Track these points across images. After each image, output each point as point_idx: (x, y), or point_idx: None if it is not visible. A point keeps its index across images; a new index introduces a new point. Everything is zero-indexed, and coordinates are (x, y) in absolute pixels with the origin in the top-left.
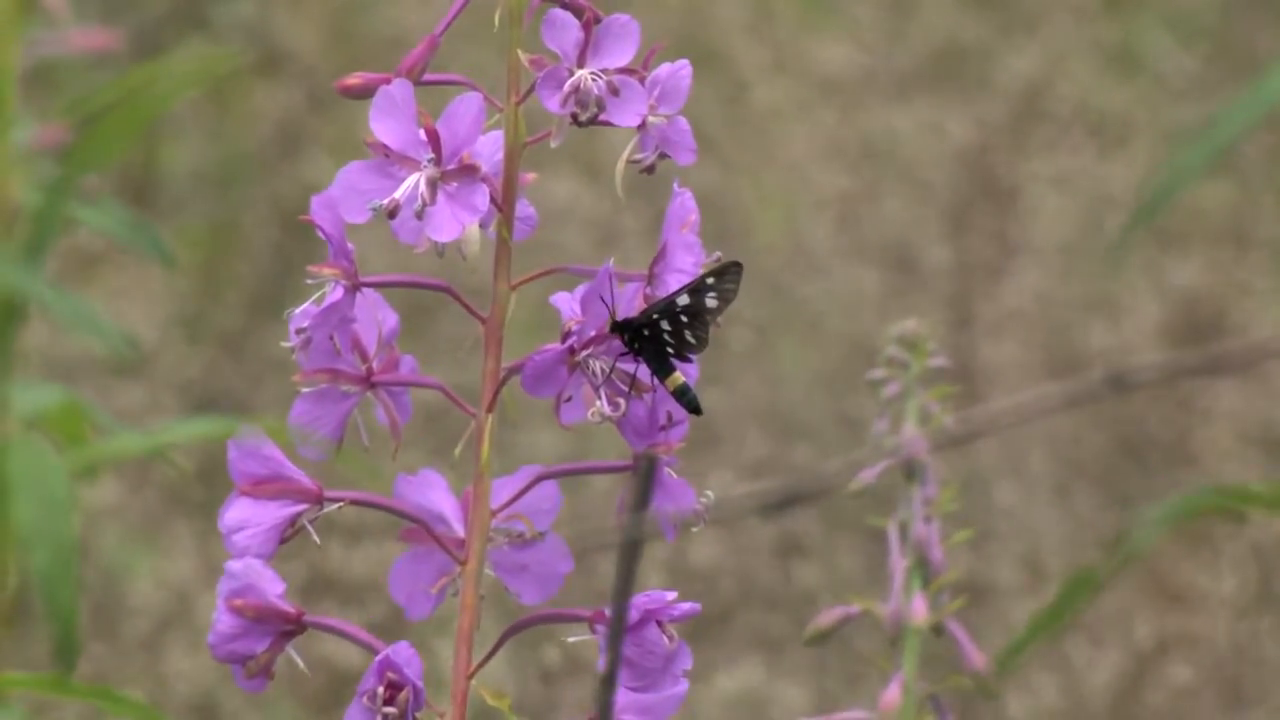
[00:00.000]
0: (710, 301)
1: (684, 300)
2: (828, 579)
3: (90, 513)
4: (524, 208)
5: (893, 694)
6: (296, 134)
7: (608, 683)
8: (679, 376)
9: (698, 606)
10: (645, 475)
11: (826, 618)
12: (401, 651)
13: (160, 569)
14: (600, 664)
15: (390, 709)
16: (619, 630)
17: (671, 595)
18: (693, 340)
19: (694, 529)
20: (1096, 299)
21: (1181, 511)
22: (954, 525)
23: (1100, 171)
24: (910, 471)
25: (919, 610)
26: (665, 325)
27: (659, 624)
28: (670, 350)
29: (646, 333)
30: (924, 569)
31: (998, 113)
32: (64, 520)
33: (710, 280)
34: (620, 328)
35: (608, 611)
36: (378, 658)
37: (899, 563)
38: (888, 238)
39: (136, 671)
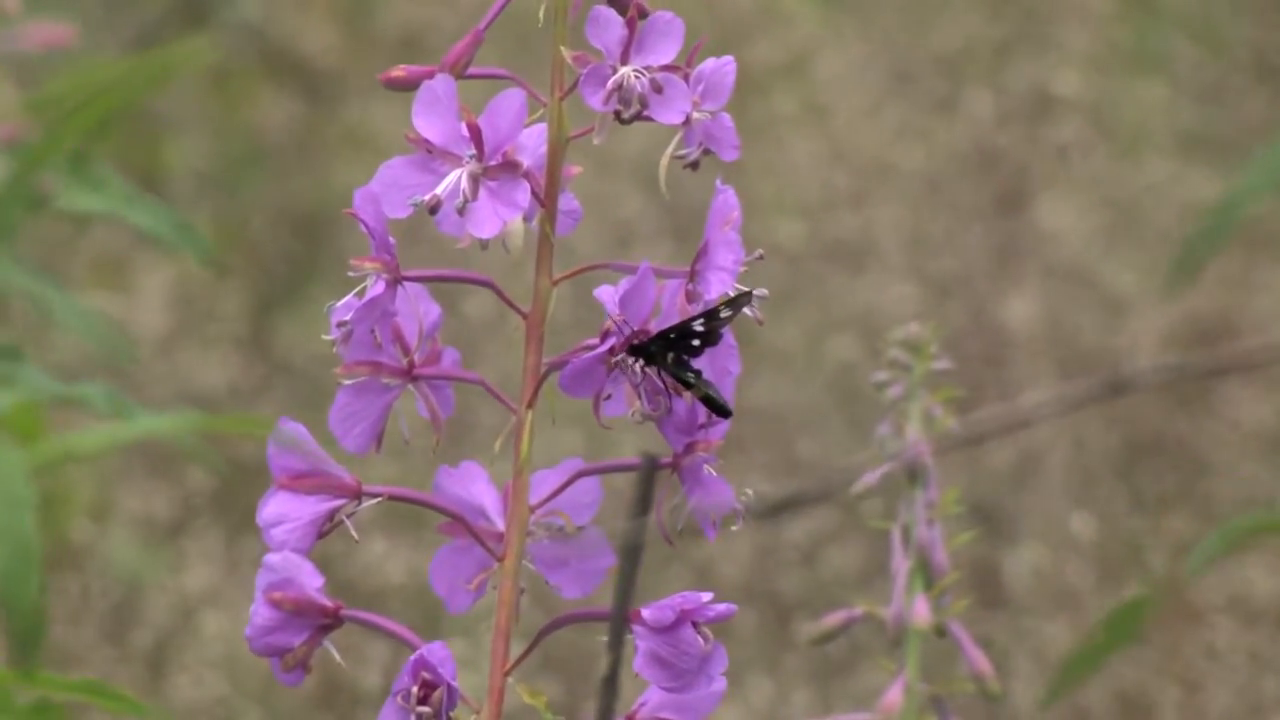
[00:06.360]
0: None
1: (699, 325)
2: (834, 579)
3: (107, 520)
4: (568, 201)
5: (894, 695)
6: (303, 133)
7: (608, 683)
8: (704, 384)
9: (733, 608)
10: (646, 475)
11: (830, 620)
12: (436, 651)
13: (172, 579)
14: (635, 663)
15: (424, 708)
16: (619, 630)
17: (707, 596)
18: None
19: (733, 528)
20: (1108, 301)
21: (1232, 538)
22: (960, 526)
23: (1114, 174)
24: (913, 474)
25: (921, 612)
26: (673, 337)
27: (694, 625)
28: (691, 353)
29: (654, 350)
30: (926, 571)
31: (1013, 115)
32: (23, 517)
33: (724, 311)
34: (635, 351)
35: (645, 612)
36: (411, 657)
37: (901, 565)
38: (898, 240)
39: (145, 680)
